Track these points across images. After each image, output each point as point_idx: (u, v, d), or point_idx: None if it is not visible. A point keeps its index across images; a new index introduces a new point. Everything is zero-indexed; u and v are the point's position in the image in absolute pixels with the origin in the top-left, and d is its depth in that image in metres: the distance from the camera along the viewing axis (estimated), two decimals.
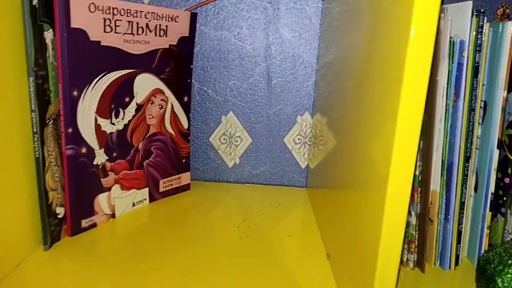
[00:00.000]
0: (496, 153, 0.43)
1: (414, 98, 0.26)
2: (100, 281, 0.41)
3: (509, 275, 0.35)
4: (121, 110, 0.51)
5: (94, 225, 0.51)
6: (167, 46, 0.55)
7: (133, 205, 0.56)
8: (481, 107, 0.43)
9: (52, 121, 0.44)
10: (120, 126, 0.52)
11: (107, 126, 0.50)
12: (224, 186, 0.68)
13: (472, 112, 0.42)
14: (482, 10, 0.40)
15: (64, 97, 0.44)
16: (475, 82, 0.41)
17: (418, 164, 0.42)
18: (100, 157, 0.50)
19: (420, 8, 0.25)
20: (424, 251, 0.44)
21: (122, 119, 0.52)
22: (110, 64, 0.49)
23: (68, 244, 0.47)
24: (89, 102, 0.47)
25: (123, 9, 0.48)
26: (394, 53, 0.28)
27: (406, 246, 0.45)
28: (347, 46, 0.42)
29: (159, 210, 0.57)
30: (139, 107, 0.54)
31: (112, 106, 0.50)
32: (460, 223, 0.44)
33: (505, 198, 0.44)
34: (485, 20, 0.40)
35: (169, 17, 0.54)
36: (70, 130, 0.46)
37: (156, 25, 0.52)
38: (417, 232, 0.44)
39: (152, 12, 0.51)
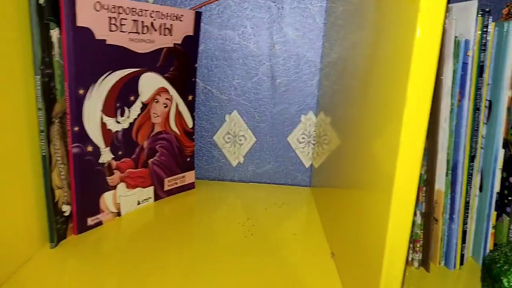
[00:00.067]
0: (501, 152, 0.43)
1: (420, 98, 0.26)
2: (106, 279, 0.41)
3: None
4: (126, 108, 0.52)
5: (100, 223, 0.51)
6: (172, 45, 0.55)
7: (138, 203, 0.57)
8: (486, 106, 0.43)
9: (58, 119, 0.45)
10: (125, 125, 0.52)
11: (112, 124, 0.50)
12: (228, 185, 0.68)
13: (477, 112, 0.42)
14: (487, 10, 0.40)
15: (70, 95, 0.45)
16: (480, 81, 0.41)
17: (423, 163, 0.42)
18: (106, 155, 0.50)
19: (426, 8, 0.25)
20: (429, 251, 0.44)
21: (128, 117, 0.52)
22: (115, 63, 0.49)
23: (74, 242, 0.47)
24: (95, 100, 0.47)
25: (128, 8, 0.48)
26: (399, 52, 0.28)
27: (411, 245, 0.45)
28: (351, 45, 0.42)
29: (164, 209, 0.58)
30: (144, 105, 0.54)
31: (118, 104, 0.50)
32: (465, 222, 0.44)
33: (510, 198, 0.44)
34: (490, 20, 0.40)
35: (174, 16, 0.54)
36: (76, 128, 0.46)
37: (161, 24, 0.53)
38: (422, 231, 0.44)
39: (157, 11, 0.51)
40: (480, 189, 0.45)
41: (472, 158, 0.43)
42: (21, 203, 0.42)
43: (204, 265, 0.44)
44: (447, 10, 0.39)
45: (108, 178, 0.51)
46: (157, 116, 0.56)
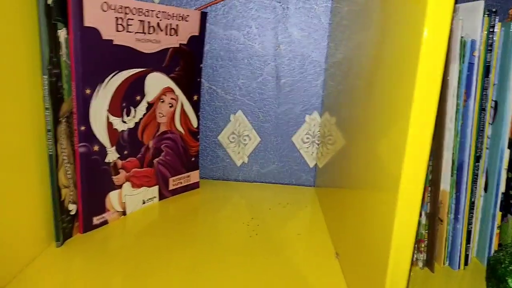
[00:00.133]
0: (506, 152, 0.43)
1: (427, 98, 0.26)
2: (112, 277, 0.41)
3: None
4: (132, 108, 0.52)
5: (105, 222, 0.52)
6: (178, 45, 0.55)
7: (143, 202, 0.57)
8: (491, 106, 0.43)
9: (65, 119, 0.45)
10: (131, 124, 0.52)
11: (118, 124, 0.51)
12: (232, 184, 0.69)
13: (483, 112, 0.42)
14: (493, 10, 0.40)
15: (77, 95, 0.45)
16: (486, 81, 0.41)
17: (428, 163, 0.42)
18: (112, 155, 0.51)
19: (434, 8, 0.25)
20: (433, 251, 0.44)
21: (133, 117, 0.53)
22: (122, 63, 0.49)
23: (80, 241, 0.48)
24: (101, 100, 0.48)
25: (135, 8, 0.48)
26: (405, 53, 0.28)
27: (415, 245, 0.45)
28: (356, 46, 0.42)
29: (169, 208, 0.58)
30: (150, 105, 0.55)
31: (124, 104, 0.51)
32: (469, 223, 0.44)
33: None
34: (496, 20, 0.40)
35: (179, 16, 0.54)
36: (83, 128, 0.46)
37: (167, 24, 0.53)
38: (426, 231, 0.44)
39: (163, 12, 0.52)
40: (485, 190, 0.45)
41: (477, 159, 0.43)
42: (27, 202, 0.42)
43: (209, 265, 0.44)
44: (454, 10, 0.39)
45: (113, 177, 0.52)
46: (163, 116, 0.57)
